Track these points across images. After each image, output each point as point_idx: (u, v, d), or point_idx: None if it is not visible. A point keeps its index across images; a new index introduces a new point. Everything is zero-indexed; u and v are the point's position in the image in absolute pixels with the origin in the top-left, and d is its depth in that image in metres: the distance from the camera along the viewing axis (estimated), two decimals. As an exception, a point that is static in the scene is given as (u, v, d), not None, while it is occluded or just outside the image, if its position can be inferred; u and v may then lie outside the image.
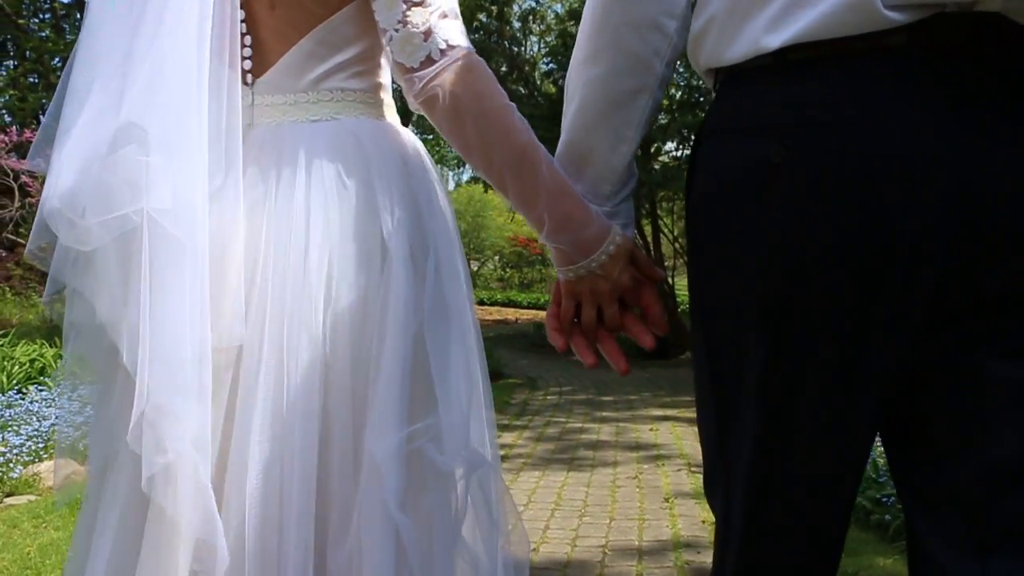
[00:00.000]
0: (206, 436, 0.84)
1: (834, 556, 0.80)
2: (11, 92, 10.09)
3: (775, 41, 0.69)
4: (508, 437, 4.71)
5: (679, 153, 10.70)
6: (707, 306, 0.79)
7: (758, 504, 0.77)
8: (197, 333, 0.84)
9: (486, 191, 15.77)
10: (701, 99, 9.60)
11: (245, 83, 0.98)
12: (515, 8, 11.59)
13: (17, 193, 7.43)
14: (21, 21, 9.69)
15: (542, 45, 12.24)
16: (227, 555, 0.84)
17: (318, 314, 0.90)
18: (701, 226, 0.79)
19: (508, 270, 27.64)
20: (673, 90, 9.78)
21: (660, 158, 11.11)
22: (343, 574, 0.88)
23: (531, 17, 11.90)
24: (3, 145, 7.40)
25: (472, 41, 0.94)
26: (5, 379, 4.24)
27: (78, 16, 10.27)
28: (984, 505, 0.69)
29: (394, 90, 1.08)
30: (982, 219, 0.66)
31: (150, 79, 0.85)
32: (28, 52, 10.05)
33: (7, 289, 7.97)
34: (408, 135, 1.03)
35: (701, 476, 0.89)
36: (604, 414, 5.57)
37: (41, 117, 11.26)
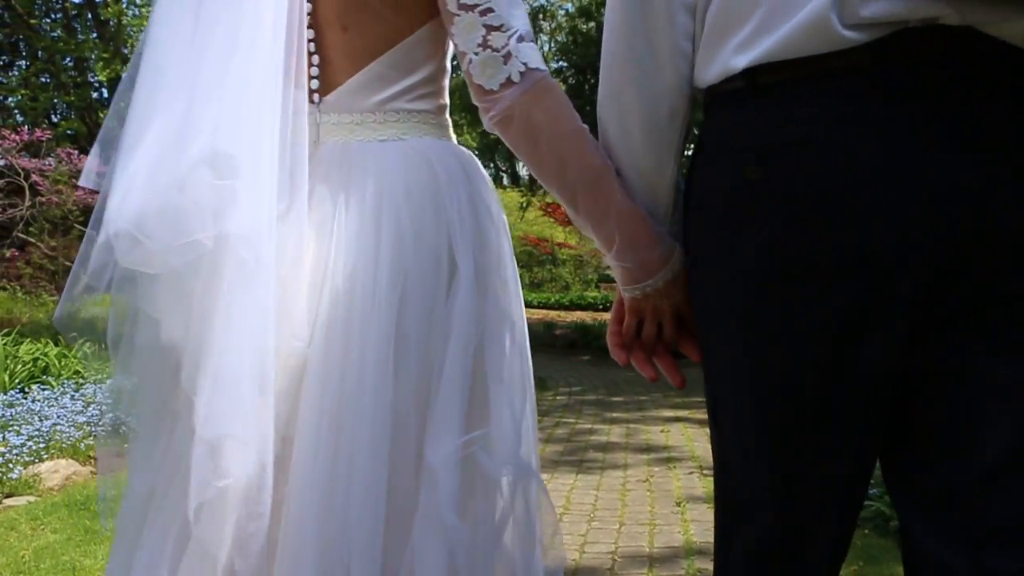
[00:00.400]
0: (267, 461, 0.86)
1: (836, 556, 0.82)
2: (22, 92, 10.15)
3: (742, 62, 0.72)
4: (516, 438, 4.64)
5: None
6: (700, 314, 0.84)
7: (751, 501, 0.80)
8: (260, 358, 0.86)
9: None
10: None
11: (311, 101, 1.00)
12: (525, 6, 11.53)
13: (27, 192, 7.45)
14: (33, 21, 9.74)
15: (553, 44, 12.19)
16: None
17: (389, 327, 0.92)
18: (691, 240, 0.83)
19: (519, 269, 27.60)
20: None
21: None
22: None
23: (541, 15, 11.85)
24: (14, 144, 7.43)
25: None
26: (7, 378, 4.21)
27: (89, 17, 10.30)
28: (978, 501, 0.70)
29: None
30: (956, 226, 0.67)
31: (233, 102, 0.86)
32: (39, 52, 10.10)
33: (17, 288, 7.99)
34: (468, 154, 1.06)
35: (713, 479, 0.90)
36: (614, 415, 5.50)
37: (52, 117, 11.32)
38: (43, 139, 7.82)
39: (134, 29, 9.46)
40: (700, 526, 2.88)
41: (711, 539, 0.89)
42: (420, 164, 0.98)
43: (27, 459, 3.27)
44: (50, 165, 7.61)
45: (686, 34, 0.80)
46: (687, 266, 0.86)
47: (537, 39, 1.04)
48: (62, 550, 2.51)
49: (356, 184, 0.96)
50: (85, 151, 9.14)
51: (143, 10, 9.35)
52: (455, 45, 0.93)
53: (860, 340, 0.71)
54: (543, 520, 1.01)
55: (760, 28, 0.71)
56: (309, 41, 0.97)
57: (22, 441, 3.31)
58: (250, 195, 0.85)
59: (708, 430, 0.90)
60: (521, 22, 0.92)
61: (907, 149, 0.67)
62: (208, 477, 0.82)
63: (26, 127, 7.96)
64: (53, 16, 10.63)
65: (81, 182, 0.97)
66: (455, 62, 1.00)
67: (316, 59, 0.99)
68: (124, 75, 0.92)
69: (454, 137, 1.08)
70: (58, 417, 3.65)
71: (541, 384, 7.26)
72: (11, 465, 3.15)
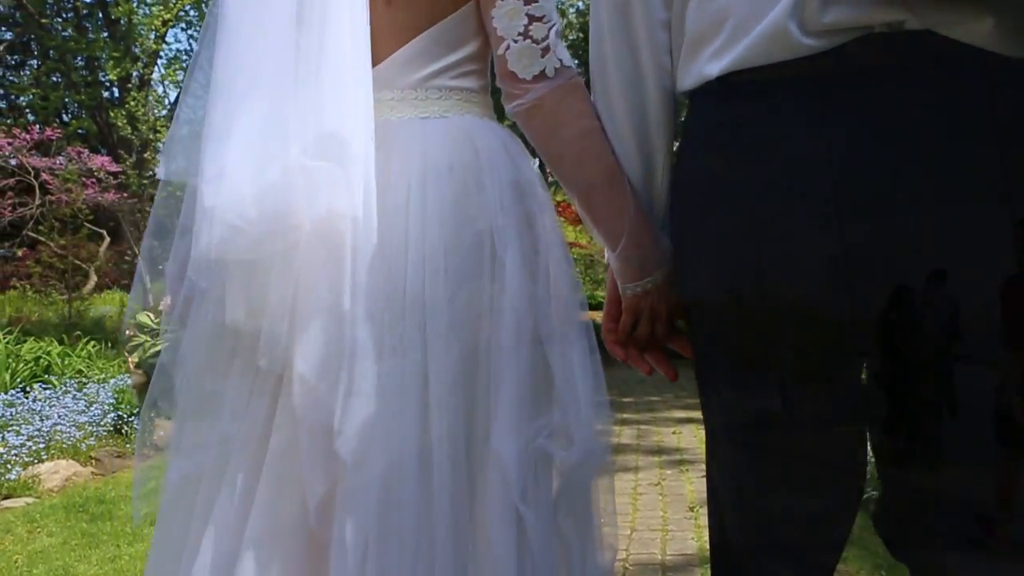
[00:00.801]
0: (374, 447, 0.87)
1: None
2: (34, 91, 10.16)
3: (715, 70, 0.77)
4: (525, 440, 4.56)
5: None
6: (685, 303, 0.89)
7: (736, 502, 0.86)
8: (350, 333, 0.86)
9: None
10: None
11: None
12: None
13: (37, 191, 7.44)
14: (44, 21, 9.74)
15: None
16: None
17: (431, 305, 0.91)
18: (673, 233, 0.88)
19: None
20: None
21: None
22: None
23: (552, 12, 11.79)
24: (24, 143, 7.42)
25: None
26: (8, 377, 4.16)
27: (100, 16, 10.31)
28: (961, 500, 0.71)
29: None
30: (912, 230, 0.68)
31: (336, 83, 0.85)
32: (51, 51, 10.11)
33: (27, 287, 7.99)
34: (510, 134, 1.05)
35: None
36: (624, 416, 5.41)
37: (63, 116, 11.35)
38: (53, 138, 7.81)
39: (144, 28, 9.45)
40: (714, 532, 2.79)
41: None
42: (462, 142, 0.97)
43: (26, 459, 3.22)
44: (60, 164, 7.60)
45: (665, 49, 0.85)
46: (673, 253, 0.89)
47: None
48: (57, 555, 2.45)
49: (397, 163, 0.95)
50: (95, 150, 9.15)
51: (153, 9, 9.34)
52: (493, 29, 0.93)
53: (822, 333, 0.74)
54: (603, 509, 1.03)
55: (730, 38, 0.76)
56: None
57: (21, 441, 3.26)
58: (359, 175, 0.85)
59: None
60: (555, 15, 0.93)
61: (864, 152, 0.69)
62: (316, 473, 0.85)
63: (37, 126, 7.95)
64: (64, 16, 10.64)
65: (162, 176, 0.97)
66: None
67: None
68: (190, 65, 0.91)
69: (494, 117, 1.06)
70: (59, 417, 3.60)
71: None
72: (9, 466, 3.10)
